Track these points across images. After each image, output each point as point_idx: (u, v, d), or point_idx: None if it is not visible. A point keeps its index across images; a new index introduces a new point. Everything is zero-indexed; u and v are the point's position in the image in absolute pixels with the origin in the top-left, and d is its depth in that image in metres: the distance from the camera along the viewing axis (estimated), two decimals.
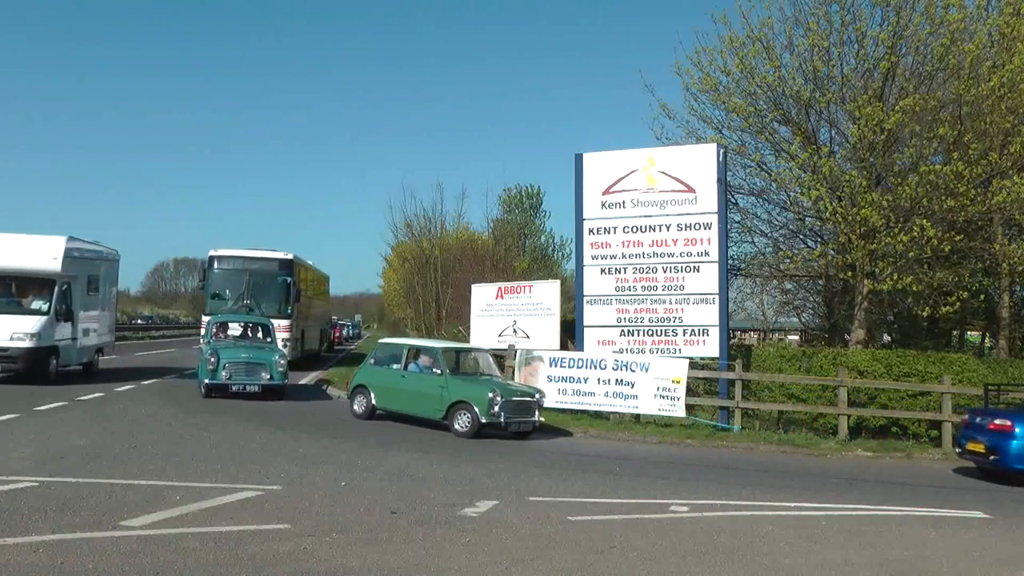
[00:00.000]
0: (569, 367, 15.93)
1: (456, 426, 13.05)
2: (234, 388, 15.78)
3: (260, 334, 18.19)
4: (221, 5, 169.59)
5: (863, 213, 15.18)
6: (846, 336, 18.94)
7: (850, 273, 16.91)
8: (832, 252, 17.33)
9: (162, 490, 7.54)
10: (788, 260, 17.64)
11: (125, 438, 10.57)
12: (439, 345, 14.80)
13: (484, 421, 12.84)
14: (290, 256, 23.57)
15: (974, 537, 7.84)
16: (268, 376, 16.11)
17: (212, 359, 15.68)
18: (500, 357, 17.54)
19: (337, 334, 47.01)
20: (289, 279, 23.09)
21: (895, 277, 15.44)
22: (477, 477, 9.36)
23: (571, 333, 17.26)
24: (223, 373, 15.73)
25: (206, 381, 15.69)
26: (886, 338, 22.13)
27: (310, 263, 28.97)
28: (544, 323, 16.99)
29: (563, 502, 8.24)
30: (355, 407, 14.68)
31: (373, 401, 14.40)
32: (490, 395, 12.88)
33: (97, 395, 15.28)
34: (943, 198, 14.95)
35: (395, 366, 14.41)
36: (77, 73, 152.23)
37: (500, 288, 18.18)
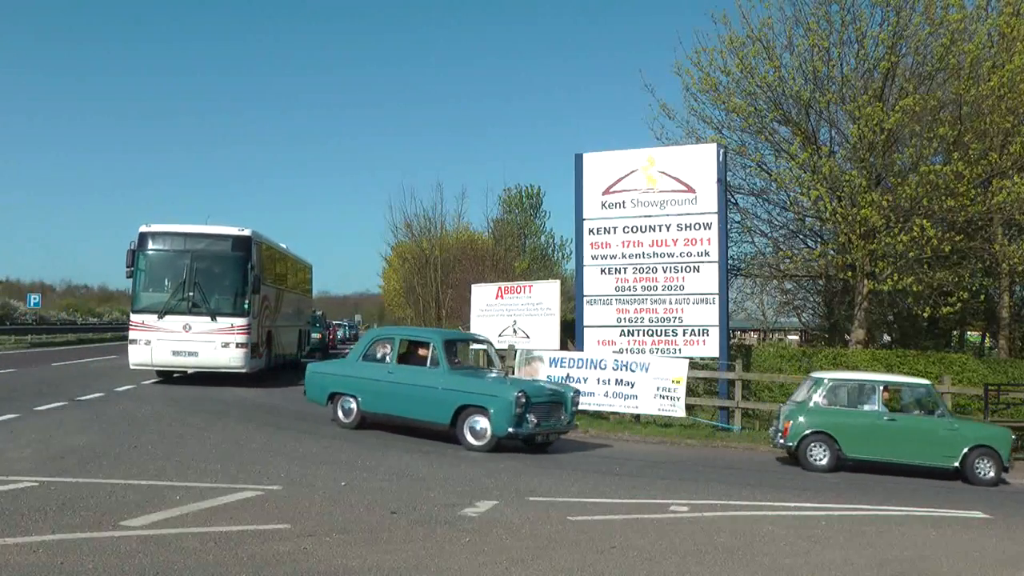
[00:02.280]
0: (569, 367, 15.93)
1: (979, 474, 11.57)
2: (539, 439, 11.91)
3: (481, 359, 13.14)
4: (221, 5, 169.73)
5: (863, 213, 15.18)
6: (846, 336, 18.95)
7: (850, 273, 16.92)
8: (832, 252, 17.34)
9: (162, 490, 7.54)
10: (788, 260, 17.65)
11: (125, 438, 10.57)
12: (922, 380, 12.47)
13: (1007, 467, 11.69)
14: (247, 233, 18.23)
15: (974, 537, 7.83)
16: (565, 418, 12.21)
17: (520, 398, 11.29)
18: (500, 357, 17.56)
19: (331, 336, 42.86)
20: (247, 264, 17.89)
21: (895, 277, 15.44)
22: (477, 477, 9.36)
23: (571, 333, 17.26)
24: (531, 419, 11.40)
25: (509, 430, 11.26)
26: (886, 338, 22.14)
27: (283, 246, 24.06)
28: (544, 323, 17.00)
29: (563, 502, 8.24)
30: (816, 459, 11.95)
31: (841, 451, 11.91)
32: (1013, 436, 11.79)
33: (97, 395, 15.28)
34: (943, 198, 14.96)
35: (866, 406, 11.96)
36: (77, 73, 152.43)
37: (500, 288, 18.19)
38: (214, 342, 17.38)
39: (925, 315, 17.10)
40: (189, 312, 17.41)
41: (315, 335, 32.54)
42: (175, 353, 17.41)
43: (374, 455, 10.50)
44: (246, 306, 17.75)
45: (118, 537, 5.93)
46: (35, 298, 43.52)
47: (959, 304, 16.07)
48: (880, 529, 7.87)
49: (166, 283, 17.89)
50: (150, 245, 17.88)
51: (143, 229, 17.98)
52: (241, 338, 17.54)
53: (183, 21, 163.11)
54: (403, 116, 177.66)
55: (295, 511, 7.01)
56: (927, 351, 16.67)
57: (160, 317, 17.36)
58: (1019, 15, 15.61)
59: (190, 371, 18.44)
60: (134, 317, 17.76)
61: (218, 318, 17.47)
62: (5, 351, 30.83)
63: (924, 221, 14.97)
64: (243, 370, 17.70)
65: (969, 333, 24.41)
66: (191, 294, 17.49)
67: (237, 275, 17.90)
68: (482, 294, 18.43)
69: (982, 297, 17.98)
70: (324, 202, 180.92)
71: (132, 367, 17.69)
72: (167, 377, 18.83)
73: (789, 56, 16.72)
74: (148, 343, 17.33)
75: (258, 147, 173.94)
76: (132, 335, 17.66)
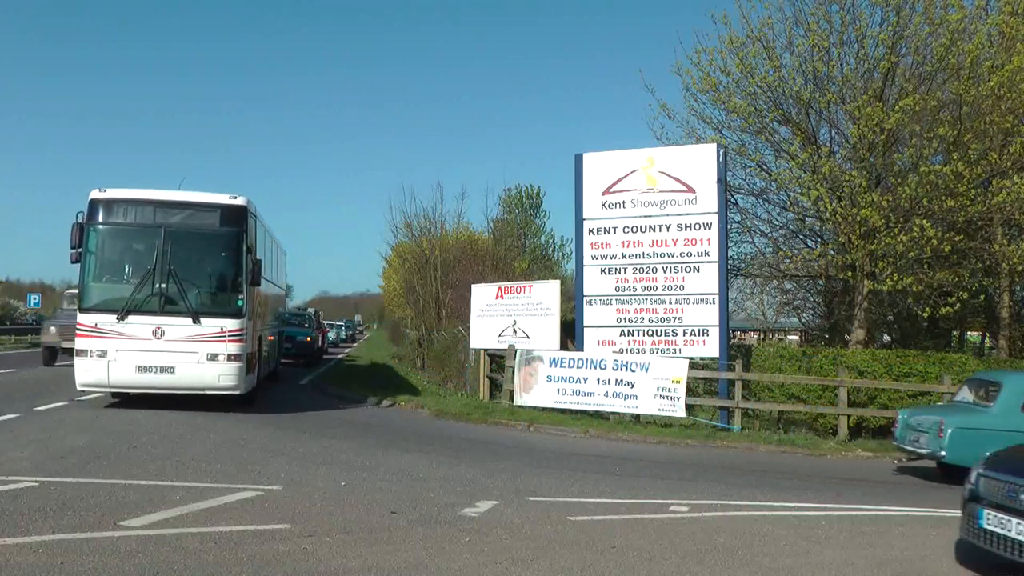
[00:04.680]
0: (569, 367, 15.93)
1: None
2: None
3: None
4: (221, 5, 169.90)
5: (863, 213, 15.18)
6: (846, 336, 18.93)
7: (850, 273, 16.92)
8: (832, 252, 17.33)
9: (162, 490, 7.54)
10: (788, 260, 17.65)
11: (125, 438, 10.57)
12: None
13: None
14: (240, 201, 13.63)
15: None
16: None
17: None
18: (500, 357, 17.55)
19: (322, 339, 37.22)
20: (241, 243, 13.47)
21: (895, 277, 15.44)
22: (477, 477, 9.36)
23: (571, 333, 17.26)
24: None
25: None
26: (886, 338, 22.14)
27: (266, 223, 18.10)
28: (544, 323, 17.00)
29: (563, 502, 8.24)
30: None
31: None
32: None
33: (97, 395, 15.27)
34: (943, 198, 14.96)
35: None
36: (77, 73, 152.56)
37: (500, 288, 18.19)
38: (198, 353, 13.04)
39: (925, 315, 17.09)
40: (162, 311, 12.98)
41: (303, 337, 28.81)
42: (142, 369, 12.93)
43: (374, 455, 10.50)
44: (240, 303, 13.37)
45: (118, 537, 5.93)
46: (35, 298, 43.61)
47: (959, 304, 16.07)
48: (880, 529, 7.86)
49: (128, 271, 13.43)
50: (105, 217, 13.21)
51: (95, 195, 13.25)
52: (234, 347, 13.21)
53: (183, 21, 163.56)
54: (403, 116, 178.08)
55: (295, 511, 7.01)
56: (927, 351, 16.66)
57: (121, 318, 12.89)
58: (1019, 15, 15.61)
59: (163, 393, 13.57)
60: (83, 318, 12.98)
61: (203, 319, 13.10)
62: (5, 351, 30.85)
63: (924, 221, 14.97)
64: (237, 391, 13.57)
65: (969, 333, 24.40)
66: (165, 286, 13.01)
67: (229, 259, 13.54)
68: (482, 294, 18.44)
69: (982, 297, 17.97)
70: (324, 202, 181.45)
71: (80, 388, 13.24)
72: (123, 395, 14.35)
73: (789, 56, 16.73)
74: (103, 354, 12.84)
75: (258, 147, 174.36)
76: (80, 343, 12.96)
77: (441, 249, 28.77)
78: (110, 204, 13.23)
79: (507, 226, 35.60)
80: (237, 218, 13.51)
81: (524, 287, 17.86)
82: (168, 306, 13.08)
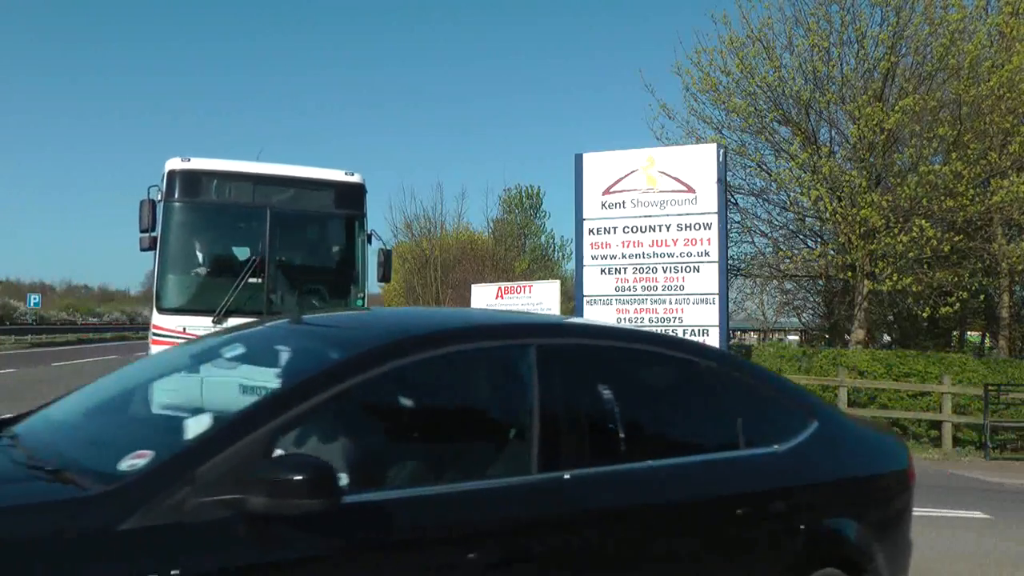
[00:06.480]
0: None
1: None
2: None
3: None
4: (221, 5, 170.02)
5: (863, 213, 15.19)
6: (846, 336, 18.95)
7: (850, 273, 16.93)
8: (832, 252, 17.35)
9: None
10: (788, 260, 17.67)
11: None
12: None
13: None
14: (357, 179, 11.01)
15: (974, 537, 7.83)
16: None
17: None
18: None
19: None
20: (359, 231, 10.92)
21: (895, 277, 15.46)
22: None
23: None
24: None
25: None
26: (886, 338, 22.16)
27: None
28: None
29: None
30: None
31: None
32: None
33: None
34: (943, 198, 14.97)
35: None
36: (77, 73, 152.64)
37: (500, 288, 18.20)
38: None
39: (925, 315, 17.10)
40: (269, 312, 10.26)
41: None
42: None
43: None
44: (360, 303, 11.05)
45: None
46: (35, 298, 43.65)
47: (959, 304, 16.09)
48: None
49: (222, 262, 10.55)
50: (191, 194, 10.18)
51: (175, 166, 10.11)
52: None
53: (183, 21, 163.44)
54: (403, 116, 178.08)
55: None
56: (927, 351, 16.67)
57: (218, 321, 10.03)
58: (1019, 15, 15.63)
59: None
60: (162, 320, 10.03)
61: None
62: (5, 351, 30.88)
63: (924, 221, 14.98)
64: None
65: (969, 333, 24.41)
66: (274, 281, 10.30)
67: (349, 249, 10.91)
68: (482, 294, 18.44)
69: (982, 297, 17.98)
70: None
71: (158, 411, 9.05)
72: None
73: (789, 56, 16.76)
74: None
75: (258, 146, 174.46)
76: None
77: (441, 249, 28.84)
78: (196, 177, 10.24)
79: (507, 226, 35.66)
80: (355, 199, 10.97)
81: (524, 287, 17.87)
82: (277, 306, 10.43)
